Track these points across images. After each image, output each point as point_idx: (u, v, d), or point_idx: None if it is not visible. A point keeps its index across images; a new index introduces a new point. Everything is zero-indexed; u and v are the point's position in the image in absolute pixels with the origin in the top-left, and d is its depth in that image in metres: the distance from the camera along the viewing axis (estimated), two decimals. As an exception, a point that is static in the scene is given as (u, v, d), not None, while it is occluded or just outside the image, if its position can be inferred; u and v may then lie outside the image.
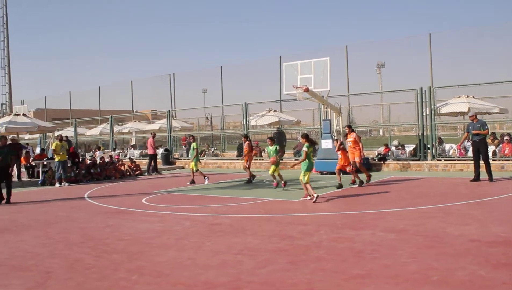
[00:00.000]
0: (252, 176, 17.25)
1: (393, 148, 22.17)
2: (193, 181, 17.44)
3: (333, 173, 18.67)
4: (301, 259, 6.54)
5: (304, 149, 11.87)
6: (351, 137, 15.51)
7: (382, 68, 51.19)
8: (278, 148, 14.91)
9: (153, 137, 24.38)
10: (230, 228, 8.93)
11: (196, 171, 17.36)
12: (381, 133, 49.65)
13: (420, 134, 20.17)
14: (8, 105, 33.07)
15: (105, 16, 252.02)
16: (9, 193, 14.13)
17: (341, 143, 15.33)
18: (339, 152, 15.05)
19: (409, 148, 22.00)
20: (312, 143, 12.35)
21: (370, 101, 25.52)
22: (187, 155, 29.92)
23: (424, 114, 20.02)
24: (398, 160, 20.64)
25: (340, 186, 14.28)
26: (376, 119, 30.17)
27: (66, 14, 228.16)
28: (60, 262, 6.98)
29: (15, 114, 22.60)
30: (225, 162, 26.31)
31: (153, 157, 23.76)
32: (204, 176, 17.42)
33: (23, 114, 23.01)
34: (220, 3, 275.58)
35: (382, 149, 22.17)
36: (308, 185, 11.82)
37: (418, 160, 20.04)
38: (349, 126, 16.27)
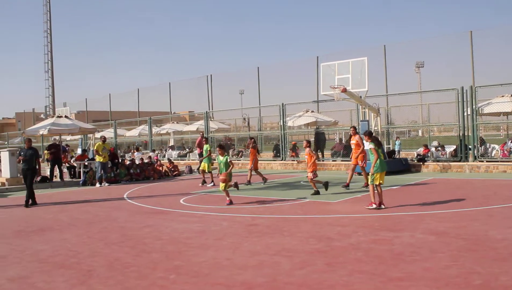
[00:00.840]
0: (248, 182, 17.20)
1: (433, 149, 21.75)
2: (204, 182, 17.78)
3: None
4: (338, 261, 6.49)
5: (371, 146, 10.67)
6: (354, 140, 14.92)
7: (421, 68, 50.39)
8: (228, 160, 12.58)
9: (202, 137, 24.68)
10: (267, 229, 8.94)
11: (209, 172, 17.61)
12: (420, 134, 48.81)
13: (461, 134, 19.73)
14: (51, 108, 34.04)
15: (143, 19, 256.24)
16: (32, 195, 14.01)
17: (308, 145, 13.94)
18: (306, 156, 13.76)
19: (450, 149, 21.52)
20: (378, 142, 10.99)
21: (409, 101, 25.14)
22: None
23: (465, 114, 19.57)
24: (438, 161, 20.24)
25: (317, 192, 13.37)
26: (415, 120, 29.66)
27: (106, 16, 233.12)
28: (101, 260, 7.13)
29: (58, 116, 23.22)
30: (262, 163, 26.29)
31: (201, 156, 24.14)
32: (212, 181, 17.62)
33: (65, 116, 23.59)
34: (256, 4, 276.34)
35: (421, 150, 21.80)
36: (372, 188, 10.78)
37: (459, 161, 19.61)
38: (354, 128, 15.71)
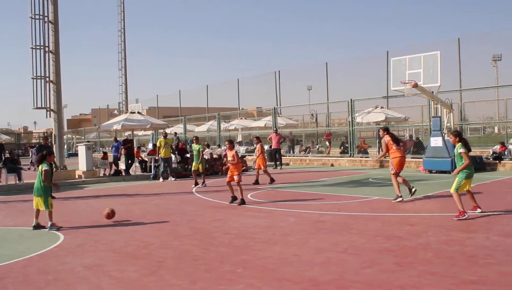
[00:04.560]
0: (272, 179, 16.98)
1: (510, 147, 20.74)
2: (196, 183, 17.02)
3: (443, 172, 17.91)
4: (407, 261, 6.34)
5: (461, 150, 9.23)
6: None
7: (498, 61, 47.88)
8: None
9: (275, 132, 24.90)
10: (335, 226, 8.87)
11: (202, 173, 17.07)
12: (496, 131, 46.68)
13: (541, 131, 18.71)
14: (124, 104, 35.36)
15: (213, 18, 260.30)
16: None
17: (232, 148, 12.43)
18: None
19: (529, 146, 20.46)
20: (466, 143, 9.38)
21: (484, 96, 24.08)
22: (292, 152, 30.19)
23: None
24: (516, 159, 19.27)
25: (234, 198, 12.26)
26: (490, 116, 28.39)
27: (175, 13, 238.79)
28: (170, 252, 7.34)
29: (131, 112, 24.06)
30: (330, 159, 26.13)
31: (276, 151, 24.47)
32: (203, 182, 17.02)
33: (138, 112, 24.41)
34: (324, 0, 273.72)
35: (497, 148, 20.89)
36: (457, 196, 9.17)
37: (539, 160, 18.58)
38: (385, 129, 12.27)
